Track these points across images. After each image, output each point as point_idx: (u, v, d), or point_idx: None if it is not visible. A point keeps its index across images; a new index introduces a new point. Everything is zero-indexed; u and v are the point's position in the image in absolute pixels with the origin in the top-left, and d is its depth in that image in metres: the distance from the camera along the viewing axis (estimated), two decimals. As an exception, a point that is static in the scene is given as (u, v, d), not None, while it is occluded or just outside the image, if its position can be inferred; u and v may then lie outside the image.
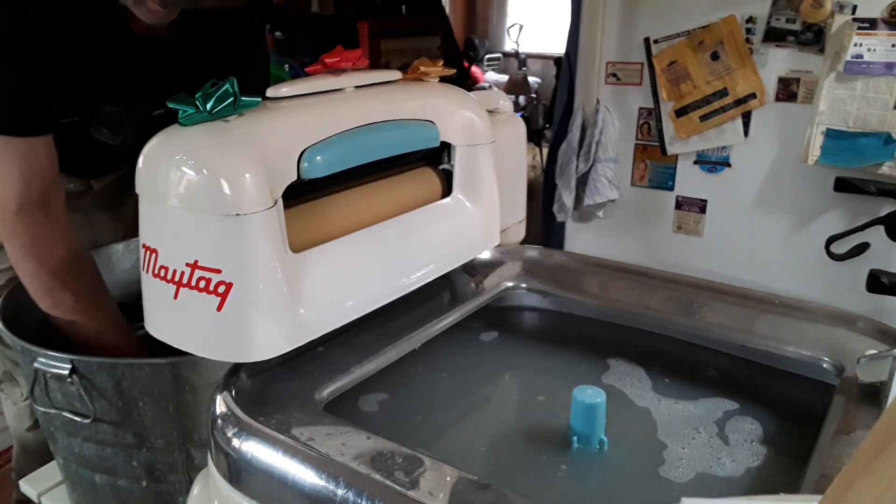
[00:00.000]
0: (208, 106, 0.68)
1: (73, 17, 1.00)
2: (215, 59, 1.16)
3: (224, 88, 0.68)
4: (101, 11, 1.02)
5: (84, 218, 1.32)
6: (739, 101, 1.74)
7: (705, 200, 1.86)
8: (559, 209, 1.99)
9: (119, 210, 1.38)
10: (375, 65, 2.92)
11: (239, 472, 0.66)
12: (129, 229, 1.39)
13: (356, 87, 0.84)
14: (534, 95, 5.16)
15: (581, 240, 2.07)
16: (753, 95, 1.72)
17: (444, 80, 0.96)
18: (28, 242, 0.98)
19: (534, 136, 4.61)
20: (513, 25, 6.09)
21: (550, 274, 1.05)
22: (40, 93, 0.98)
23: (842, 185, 1.49)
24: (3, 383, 1.25)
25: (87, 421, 0.89)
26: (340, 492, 0.59)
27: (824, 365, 0.81)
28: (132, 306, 0.95)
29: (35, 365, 0.88)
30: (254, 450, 0.65)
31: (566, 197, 1.96)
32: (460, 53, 4.52)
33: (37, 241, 0.98)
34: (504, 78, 5.61)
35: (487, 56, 6.17)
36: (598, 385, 0.80)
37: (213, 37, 1.16)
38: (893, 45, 1.53)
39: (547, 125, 4.84)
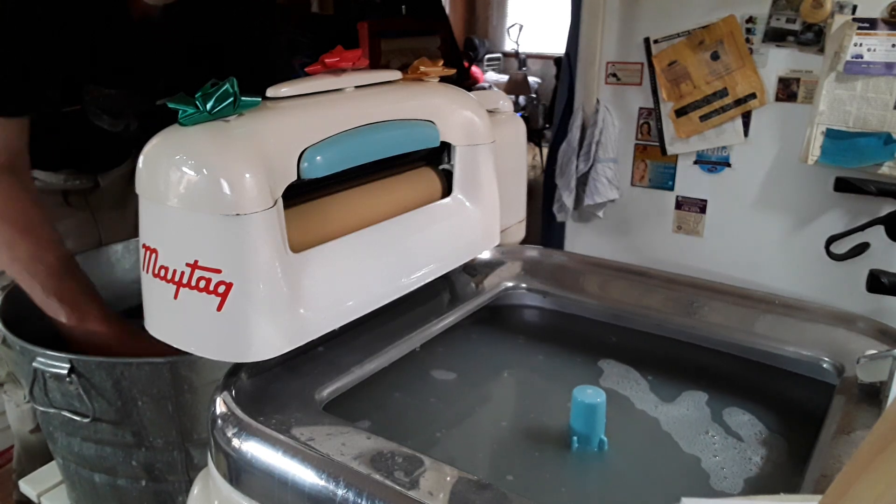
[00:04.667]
0: (208, 106, 0.68)
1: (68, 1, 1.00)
2: (211, 43, 1.16)
3: (224, 88, 0.68)
4: None
5: (90, 216, 1.32)
6: (739, 101, 1.74)
7: (705, 200, 1.86)
8: (559, 209, 1.99)
9: (125, 208, 1.38)
10: (375, 65, 2.92)
11: (239, 472, 0.66)
12: (135, 228, 1.39)
13: (356, 87, 0.84)
14: (534, 95, 5.17)
15: (581, 240, 2.07)
16: (753, 95, 1.72)
17: (444, 80, 0.96)
18: None
19: (534, 136, 4.62)
20: (513, 25, 6.10)
21: (550, 274, 1.05)
22: (24, 76, 1.00)
23: (842, 185, 1.50)
24: (5, 385, 1.25)
25: (86, 420, 0.89)
26: (340, 492, 0.59)
27: (824, 365, 0.81)
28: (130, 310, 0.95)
29: (34, 364, 0.88)
30: (254, 450, 0.65)
31: (566, 197, 1.96)
32: (460, 53, 4.53)
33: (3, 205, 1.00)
34: (504, 78, 5.62)
35: (487, 56, 6.18)
36: (598, 385, 0.80)
37: (207, 21, 1.16)
38: (893, 45, 1.53)
39: (547, 125, 4.85)
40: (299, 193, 0.78)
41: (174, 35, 1.12)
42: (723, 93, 1.75)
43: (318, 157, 0.73)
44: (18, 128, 1.03)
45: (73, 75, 1.07)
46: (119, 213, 1.37)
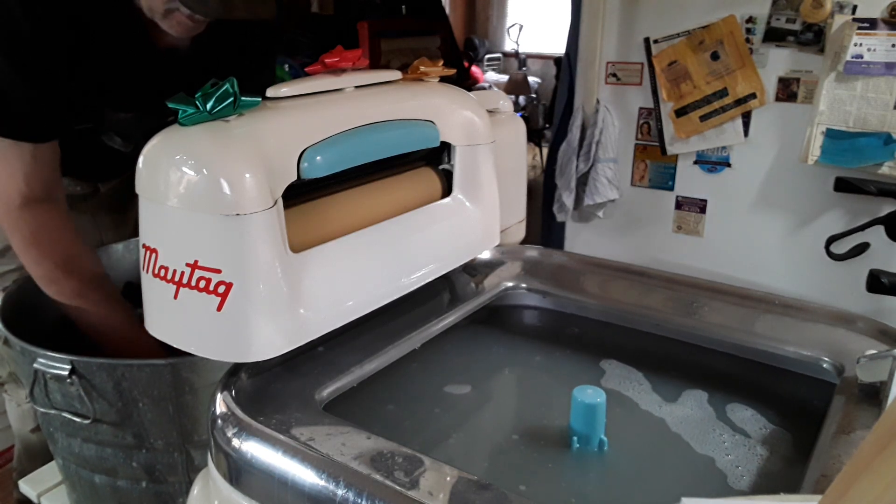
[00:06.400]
0: (208, 106, 0.68)
1: (95, 28, 1.01)
2: (233, 70, 1.16)
3: (224, 88, 0.69)
4: (125, 24, 1.03)
5: (90, 220, 1.33)
6: (739, 101, 1.74)
7: (705, 200, 1.86)
8: (559, 209, 1.99)
9: (125, 212, 1.38)
10: (375, 65, 2.92)
11: (239, 472, 0.66)
12: (135, 231, 1.40)
13: (356, 87, 0.84)
14: (534, 95, 5.17)
15: (581, 240, 2.07)
16: (753, 95, 1.72)
17: (444, 80, 0.96)
18: (31, 235, 1.03)
19: (534, 136, 4.62)
20: (513, 25, 6.10)
21: (550, 274, 1.05)
22: (54, 101, 1.01)
23: (842, 185, 1.49)
24: (7, 385, 1.25)
25: (87, 422, 0.89)
26: (340, 492, 0.59)
27: (824, 365, 0.81)
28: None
29: (35, 366, 0.88)
30: (254, 450, 0.65)
31: (566, 197, 1.96)
32: (460, 53, 4.53)
33: (39, 233, 1.03)
34: (504, 78, 5.62)
35: (487, 56, 6.18)
36: (601, 386, 0.80)
37: (234, 50, 1.16)
38: (893, 45, 1.53)
39: (547, 125, 4.85)
40: (299, 193, 0.78)
41: (197, 64, 1.13)
42: (723, 93, 1.75)
43: (318, 157, 0.73)
44: (51, 154, 1.04)
45: (95, 100, 1.08)
46: (119, 216, 1.37)
